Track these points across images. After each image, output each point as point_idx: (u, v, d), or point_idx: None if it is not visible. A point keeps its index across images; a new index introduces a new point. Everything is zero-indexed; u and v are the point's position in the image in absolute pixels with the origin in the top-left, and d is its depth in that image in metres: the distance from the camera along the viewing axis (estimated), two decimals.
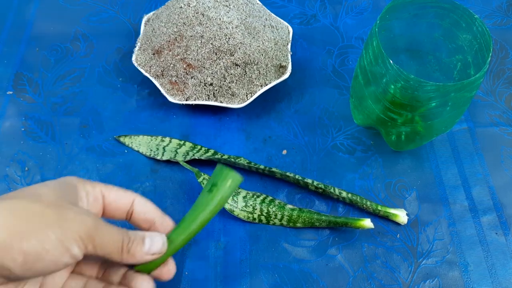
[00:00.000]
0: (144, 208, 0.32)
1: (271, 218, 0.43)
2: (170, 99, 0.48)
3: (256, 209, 0.43)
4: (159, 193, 0.45)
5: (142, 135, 0.48)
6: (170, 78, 0.48)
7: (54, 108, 0.50)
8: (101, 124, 0.49)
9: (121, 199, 0.32)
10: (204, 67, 0.47)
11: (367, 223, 0.41)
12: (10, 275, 0.25)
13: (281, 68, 0.50)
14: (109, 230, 0.28)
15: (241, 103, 0.48)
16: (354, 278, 0.41)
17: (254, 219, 0.43)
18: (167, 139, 0.48)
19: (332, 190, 0.44)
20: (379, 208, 0.43)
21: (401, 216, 0.43)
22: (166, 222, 0.33)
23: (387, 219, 0.44)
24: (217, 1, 0.49)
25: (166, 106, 0.51)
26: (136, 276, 0.31)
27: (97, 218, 0.28)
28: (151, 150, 0.47)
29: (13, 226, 0.25)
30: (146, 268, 0.31)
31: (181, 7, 0.49)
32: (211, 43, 0.47)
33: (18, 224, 0.25)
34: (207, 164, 0.47)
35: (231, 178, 0.33)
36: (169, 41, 0.48)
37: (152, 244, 0.30)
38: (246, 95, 0.48)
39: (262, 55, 0.48)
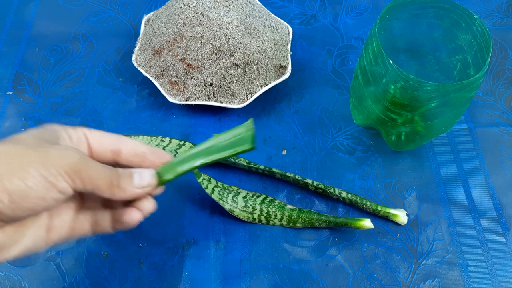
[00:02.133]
0: (131, 143, 0.32)
1: (271, 219, 0.43)
2: (170, 99, 0.48)
3: (256, 209, 0.43)
4: None
5: (142, 135, 0.48)
6: (170, 78, 0.48)
7: (54, 108, 0.50)
8: (101, 124, 0.49)
9: (106, 138, 0.31)
10: (204, 67, 0.47)
11: (367, 223, 0.41)
12: (2, 216, 0.26)
13: (281, 68, 0.50)
14: (97, 164, 0.28)
15: (241, 103, 0.48)
16: (354, 278, 0.41)
17: (254, 219, 0.43)
18: (167, 139, 0.48)
19: (332, 190, 0.44)
20: (379, 208, 0.43)
21: (401, 216, 0.43)
22: (159, 153, 0.32)
23: (387, 219, 0.44)
24: (217, 1, 0.49)
25: (166, 106, 0.51)
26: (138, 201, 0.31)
27: (82, 153, 0.28)
28: None
29: None
30: None
31: (181, 7, 0.49)
32: (211, 43, 0.47)
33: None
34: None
35: (249, 139, 0.32)
36: (169, 41, 0.48)
37: (142, 178, 0.30)
38: (246, 95, 0.48)
39: (262, 55, 0.48)
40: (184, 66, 0.48)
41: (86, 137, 0.31)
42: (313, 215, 0.43)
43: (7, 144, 0.27)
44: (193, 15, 0.48)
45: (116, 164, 0.31)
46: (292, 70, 0.51)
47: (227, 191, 0.44)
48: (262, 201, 0.44)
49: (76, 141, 0.30)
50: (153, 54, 0.49)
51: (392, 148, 0.48)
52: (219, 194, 0.43)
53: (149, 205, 0.32)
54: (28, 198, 0.25)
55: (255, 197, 0.44)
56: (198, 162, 0.32)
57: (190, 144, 0.47)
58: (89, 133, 0.31)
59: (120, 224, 0.32)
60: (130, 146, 0.32)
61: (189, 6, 0.49)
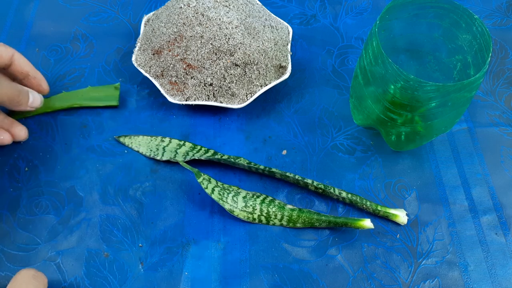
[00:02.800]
0: (21, 61, 0.43)
1: (271, 219, 0.43)
2: (170, 99, 0.48)
3: (256, 209, 0.43)
4: (159, 193, 0.45)
5: (142, 135, 0.48)
6: (170, 78, 0.48)
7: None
8: (101, 124, 0.49)
9: (3, 53, 0.41)
10: (204, 67, 0.47)
11: (367, 223, 0.41)
12: None
13: (281, 68, 0.50)
14: (9, 83, 0.39)
15: (241, 103, 0.48)
16: (354, 278, 0.41)
17: (254, 219, 0.43)
18: (167, 139, 0.48)
19: (332, 190, 0.44)
20: (379, 208, 0.43)
21: (401, 216, 0.43)
22: (39, 76, 0.45)
23: (387, 219, 0.44)
24: (217, 1, 0.49)
25: (166, 106, 0.51)
26: (16, 124, 0.45)
27: None
28: (151, 150, 0.47)
29: None
30: (20, 116, 0.47)
31: (181, 7, 0.49)
32: (211, 43, 0.47)
33: None
34: (207, 164, 0.47)
35: (115, 98, 0.50)
36: (169, 41, 0.48)
37: (34, 100, 0.44)
38: (246, 95, 0.48)
39: (262, 55, 0.48)
40: (184, 66, 0.48)
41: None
42: (313, 215, 0.43)
43: None
44: (193, 15, 0.48)
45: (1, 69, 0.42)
46: (292, 70, 0.51)
47: (227, 191, 0.44)
48: (262, 201, 0.44)
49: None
50: (153, 54, 0.49)
51: (392, 148, 0.48)
52: (219, 194, 0.43)
53: (23, 132, 0.46)
54: None
55: (255, 197, 0.44)
56: (69, 103, 0.49)
57: (190, 144, 0.47)
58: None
59: None
60: (19, 63, 0.43)
61: (189, 6, 0.49)
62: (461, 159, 0.48)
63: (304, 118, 0.50)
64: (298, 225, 0.43)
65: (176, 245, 0.42)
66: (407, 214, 0.44)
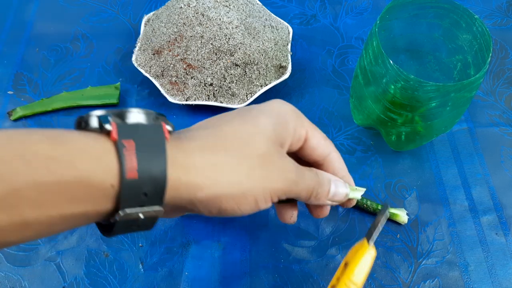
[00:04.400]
0: (335, 165, 0.31)
1: None
2: (170, 99, 0.48)
3: None
4: None
5: None
6: (170, 78, 0.48)
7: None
8: None
9: (320, 148, 0.29)
10: (204, 67, 0.47)
11: (403, 216, 0.43)
12: (193, 212, 0.25)
13: (281, 68, 0.50)
14: (305, 180, 0.27)
15: (241, 103, 0.48)
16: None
17: None
18: None
19: None
20: (379, 207, 0.43)
21: (402, 215, 0.43)
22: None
23: (387, 219, 0.44)
24: (217, 1, 0.49)
25: (166, 106, 0.51)
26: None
27: (299, 171, 0.27)
28: None
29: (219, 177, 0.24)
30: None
31: (181, 7, 0.49)
32: (211, 43, 0.47)
33: (224, 179, 0.24)
34: None
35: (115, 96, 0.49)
36: (169, 41, 0.48)
37: (337, 192, 0.30)
38: (246, 95, 0.48)
39: (262, 55, 0.48)
40: (184, 66, 0.48)
41: (305, 139, 0.29)
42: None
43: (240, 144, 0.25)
44: (193, 15, 0.48)
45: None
46: (292, 70, 0.51)
47: None
48: None
49: (296, 139, 0.28)
50: (153, 54, 0.49)
51: (392, 148, 0.48)
52: None
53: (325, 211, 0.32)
54: (231, 214, 0.25)
55: None
56: (69, 103, 0.49)
57: None
58: (310, 134, 0.29)
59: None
60: (332, 167, 0.31)
61: (189, 6, 0.49)
62: (461, 159, 0.48)
63: None
64: None
65: (176, 245, 0.42)
66: (407, 214, 0.44)
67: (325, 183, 0.29)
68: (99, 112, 0.22)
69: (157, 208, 0.22)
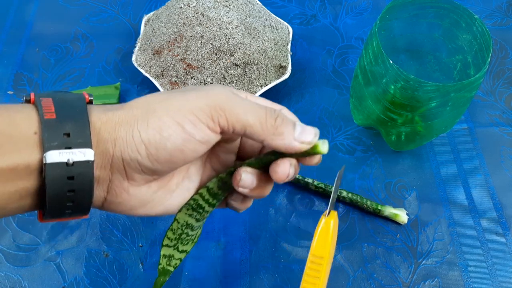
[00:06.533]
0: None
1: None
2: None
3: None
4: None
5: None
6: (170, 78, 0.48)
7: None
8: None
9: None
10: (204, 67, 0.47)
11: (402, 216, 0.43)
12: (142, 168, 0.24)
13: (281, 68, 0.50)
14: (246, 101, 0.24)
15: None
16: (354, 278, 0.41)
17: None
18: None
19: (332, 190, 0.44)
20: (379, 207, 0.43)
21: (402, 215, 0.43)
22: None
23: (387, 219, 0.44)
24: (217, 1, 0.49)
25: None
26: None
27: (229, 91, 0.25)
28: None
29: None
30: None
31: (181, 7, 0.49)
32: (211, 43, 0.47)
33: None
34: None
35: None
36: (169, 41, 0.48)
37: (304, 132, 0.25)
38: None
39: (262, 55, 0.48)
40: (184, 66, 0.48)
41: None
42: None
43: (152, 94, 0.25)
44: (193, 15, 0.48)
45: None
46: (292, 70, 0.51)
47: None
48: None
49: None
50: (153, 54, 0.49)
51: (392, 148, 0.48)
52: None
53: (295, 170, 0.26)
54: (164, 150, 0.23)
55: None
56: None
57: None
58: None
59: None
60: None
61: (189, 6, 0.49)
62: (461, 159, 0.48)
63: (304, 118, 0.50)
64: None
65: None
66: (407, 214, 0.44)
67: (286, 120, 0.25)
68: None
69: (88, 151, 0.22)
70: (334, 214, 0.31)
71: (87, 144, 0.22)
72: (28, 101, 0.23)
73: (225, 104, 0.24)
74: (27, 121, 0.22)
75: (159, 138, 0.23)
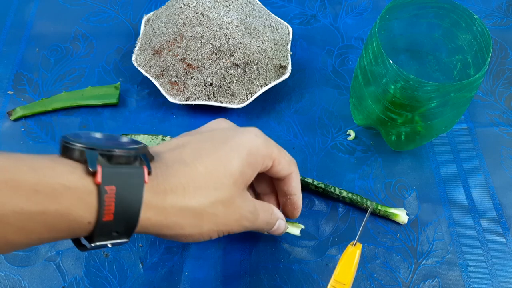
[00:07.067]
0: (292, 184, 0.35)
1: None
2: (170, 99, 0.48)
3: None
4: None
5: (142, 134, 0.48)
6: (170, 78, 0.48)
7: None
8: (101, 124, 0.49)
9: (282, 171, 0.33)
10: (204, 67, 0.47)
11: (402, 216, 0.43)
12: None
13: (281, 68, 0.50)
14: (258, 222, 0.32)
15: (241, 103, 0.48)
16: (354, 278, 0.41)
17: None
18: (167, 138, 0.48)
19: (332, 190, 0.44)
20: (379, 207, 0.43)
21: (401, 215, 0.43)
22: (299, 202, 0.36)
23: (387, 218, 0.44)
24: (217, 1, 0.49)
25: (166, 106, 0.51)
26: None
27: (254, 214, 0.31)
28: None
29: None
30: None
31: (181, 7, 0.49)
32: (211, 43, 0.47)
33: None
34: None
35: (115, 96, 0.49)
36: (169, 41, 0.48)
37: (280, 226, 0.36)
38: (246, 95, 0.48)
39: (262, 55, 0.48)
40: (184, 66, 0.48)
41: (272, 166, 0.32)
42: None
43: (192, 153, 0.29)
44: (193, 15, 0.48)
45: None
46: (292, 70, 0.51)
47: None
48: None
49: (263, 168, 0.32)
50: (153, 54, 0.49)
51: (392, 148, 0.48)
52: None
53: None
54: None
55: None
56: (69, 103, 0.49)
57: None
58: (276, 164, 0.32)
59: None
60: (289, 185, 0.35)
61: (189, 6, 0.49)
62: (461, 159, 0.48)
63: (304, 118, 0.50)
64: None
65: (176, 245, 0.42)
66: (407, 214, 0.44)
67: (272, 223, 0.34)
68: (86, 145, 0.23)
69: (124, 240, 0.25)
70: (360, 246, 0.36)
71: (127, 237, 0.25)
72: (90, 173, 0.23)
73: (245, 229, 0.31)
74: (87, 211, 0.23)
75: (192, 241, 0.29)
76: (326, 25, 0.59)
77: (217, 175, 0.28)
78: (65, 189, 0.22)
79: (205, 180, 0.27)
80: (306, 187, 0.45)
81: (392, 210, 0.43)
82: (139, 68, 0.49)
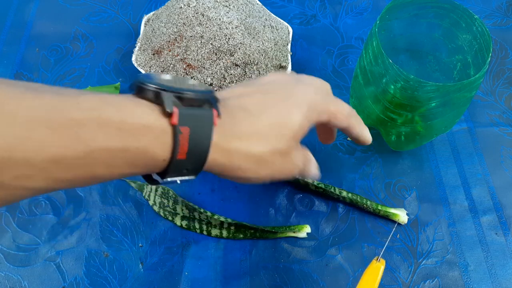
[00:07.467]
0: (353, 132, 0.36)
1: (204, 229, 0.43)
2: None
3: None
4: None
5: None
6: None
7: None
8: None
9: (339, 125, 0.34)
10: (204, 67, 0.47)
11: (402, 216, 0.43)
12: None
13: (281, 68, 0.50)
14: (300, 168, 0.33)
15: None
16: (354, 278, 0.41)
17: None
18: None
19: (332, 190, 0.44)
20: (379, 207, 0.43)
21: (401, 215, 0.43)
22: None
23: (387, 218, 0.44)
24: (217, 1, 0.49)
25: None
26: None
27: (301, 163, 0.33)
28: None
29: None
30: None
31: (181, 7, 0.49)
32: (211, 44, 0.47)
33: None
34: None
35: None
36: (169, 41, 0.48)
37: (315, 170, 0.36)
38: None
39: (262, 55, 0.48)
40: (184, 66, 0.48)
41: (328, 120, 0.33)
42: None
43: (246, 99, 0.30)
44: (193, 15, 0.48)
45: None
46: (292, 70, 0.51)
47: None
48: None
49: None
50: (153, 54, 0.49)
51: (392, 148, 0.48)
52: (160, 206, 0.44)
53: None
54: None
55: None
56: None
57: None
58: (332, 119, 0.33)
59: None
60: (350, 134, 0.36)
61: (189, 6, 0.49)
62: (461, 159, 0.48)
63: None
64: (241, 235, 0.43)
65: (176, 245, 0.42)
66: (407, 214, 0.44)
67: (314, 171, 0.35)
68: (161, 87, 0.25)
69: (192, 176, 0.27)
70: (384, 262, 0.37)
71: (195, 174, 0.27)
72: (167, 114, 0.24)
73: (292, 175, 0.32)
74: (163, 149, 0.25)
75: (249, 182, 0.30)
76: (326, 25, 0.59)
77: (279, 127, 0.29)
78: (144, 129, 0.24)
79: (267, 131, 0.29)
80: (306, 187, 0.45)
81: (392, 210, 0.43)
82: (139, 68, 0.49)
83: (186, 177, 0.27)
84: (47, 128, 0.21)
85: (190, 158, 0.26)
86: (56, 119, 0.21)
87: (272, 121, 0.29)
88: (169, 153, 0.25)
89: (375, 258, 0.38)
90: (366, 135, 0.37)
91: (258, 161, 0.29)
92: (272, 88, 0.32)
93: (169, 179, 0.26)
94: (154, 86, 0.25)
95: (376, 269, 0.36)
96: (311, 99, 0.32)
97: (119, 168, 0.24)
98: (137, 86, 0.26)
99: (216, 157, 0.27)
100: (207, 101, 0.26)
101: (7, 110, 0.20)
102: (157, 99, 0.25)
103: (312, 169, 0.35)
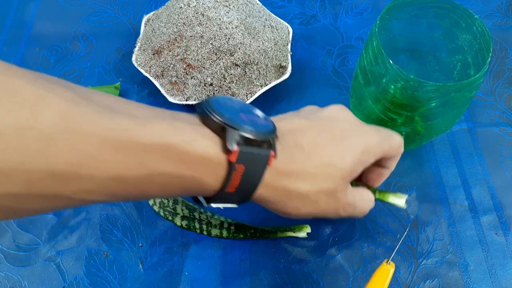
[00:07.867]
0: (389, 163, 0.37)
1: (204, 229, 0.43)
2: (170, 99, 0.48)
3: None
4: None
5: None
6: (170, 78, 0.48)
7: None
8: None
9: (389, 159, 0.36)
10: (204, 67, 0.47)
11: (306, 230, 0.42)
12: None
13: (281, 68, 0.50)
14: (352, 211, 0.34)
15: None
16: (354, 278, 0.41)
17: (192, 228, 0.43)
18: None
19: None
20: (376, 195, 0.41)
21: (401, 199, 0.41)
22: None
23: (387, 218, 0.44)
24: (217, 1, 0.49)
25: (166, 106, 0.51)
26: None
27: (350, 206, 0.33)
28: None
29: None
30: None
31: (181, 7, 0.49)
32: (211, 43, 0.47)
33: None
34: None
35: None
36: (169, 41, 0.48)
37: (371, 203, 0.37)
38: (246, 95, 0.48)
39: (262, 55, 0.48)
40: (184, 66, 0.48)
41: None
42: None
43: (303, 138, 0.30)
44: (193, 15, 0.48)
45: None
46: (292, 70, 0.51)
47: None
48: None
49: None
50: (153, 54, 0.49)
51: None
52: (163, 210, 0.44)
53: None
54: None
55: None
56: None
57: None
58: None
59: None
60: (388, 165, 0.37)
61: (189, 6, 0.49)
62: (461, 159, 0.48)
63: None
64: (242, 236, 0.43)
65: (176, 245, 0.42)
66: (407, 200, 0.42)
67: (366, 211, 0.36)
68: (227, 122, 0.26)
69: (234, 205, 0.29)
70: (393, 264, 0.38)
71: (238, 204, 0.29)
72: (227, 150, 0.25)
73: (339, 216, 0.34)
74: (215, 181, 0.26)
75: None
76: (326, 25, 0.59)
77: (329, 168, 0.29)
78: (203, 161, 0.25)
79: (317, 171, 0.29)
80: None
81: (391, 197, 0.41)
82: (139, 68, 0.49)
83: (229, 205, 0.28)
84: (115, 149, 0.22)
85: (238, 192, 0.27)
86: (125, 142, 0.22)
87: (323, 161, 0.29)
88: (220, 185, 0.26)
89: (385, 260, 0.38)
90: (390, 172, 0.38)
91: (301, 198, 0.29)
92: (330, 127, 0.31)
93: (213, 205, 0.28)
94: (220, 119, 0.25)
95: (385, 272, 0.37)
96: (368, 143, 0.32)
97: (171, 190, 0.25)
98: (204, 110, 0.26)
99: (262, 192, 0.28)
100: (267, 141, 0.27)
101: (84, 130, 0.21)
102: (221, 132, 0.26)
103: (363, 209, 0.35)
